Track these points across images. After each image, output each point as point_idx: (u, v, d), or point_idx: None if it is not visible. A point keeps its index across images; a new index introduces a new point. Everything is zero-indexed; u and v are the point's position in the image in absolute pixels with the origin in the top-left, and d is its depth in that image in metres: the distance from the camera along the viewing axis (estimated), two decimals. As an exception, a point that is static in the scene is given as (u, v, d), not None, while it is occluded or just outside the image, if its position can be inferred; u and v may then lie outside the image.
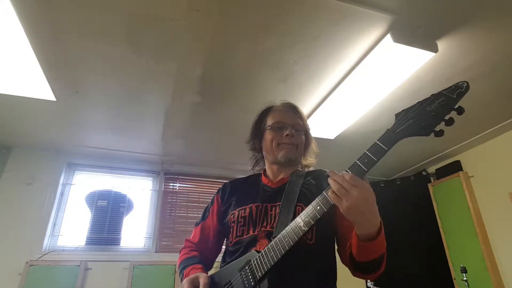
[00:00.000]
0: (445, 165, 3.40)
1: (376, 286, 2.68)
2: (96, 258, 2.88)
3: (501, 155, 2.89)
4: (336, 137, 2.87)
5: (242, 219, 0.99)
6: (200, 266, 0.99)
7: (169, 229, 3.32)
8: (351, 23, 1.69)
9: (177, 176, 3.58)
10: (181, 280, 0.99)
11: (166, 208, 3.39)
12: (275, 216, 0.95)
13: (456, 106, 0.69)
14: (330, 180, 0.75)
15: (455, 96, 0.68)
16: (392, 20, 1.67)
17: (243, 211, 1.01)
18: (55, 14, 1.60)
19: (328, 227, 0.94)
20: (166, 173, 3.53)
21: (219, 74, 2.11)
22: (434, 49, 1.80)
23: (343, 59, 1.96)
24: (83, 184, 3.27)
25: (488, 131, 2.88)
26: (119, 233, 3.17)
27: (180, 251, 1.14)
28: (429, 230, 3.38)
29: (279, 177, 1.08)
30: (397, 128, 0.75)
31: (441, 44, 1.83)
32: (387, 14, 1.63)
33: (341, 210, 0.73)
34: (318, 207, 0.78)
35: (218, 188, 1.21)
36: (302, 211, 0.83)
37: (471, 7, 1.60)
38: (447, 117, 0.70)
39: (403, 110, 0.77)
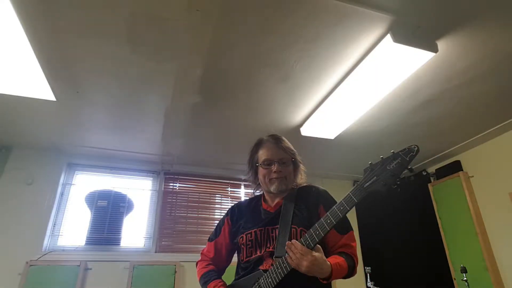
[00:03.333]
0: (445, 165, 3.41)
1: (376, 286, 2.68)
2: (96, 258, 2.88)
3: (501, 155, 2.89)
4: (336, 137, 2.87)
5: (250, 242, 1.20)
6: (222, 282, 1.21)
7: (169, 229, 3.32)
8: (351, 23, 1.69)
9: (177, 176, 3.58)
10: None
11: (166, 208, 3.39)
12: (275, 238, 1.15)
13: (409, 167, 0.87)
14: (287, 250, 1.00)
15: (407, 159, 0.86)
16: (392, 20, 1.67)
17: (249, 235, 1.21)
18: (55, 14, 1.61)
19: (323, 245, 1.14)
20: (166, 173, 3.53)
21: (219, 74, 2.11)
22: (434, 49, 1.80)
23: (343, 59, 1.96)
24: (83, 184, 3.27)
25: (488, 131, 2.88)
26: (119, 233, 3.17)
27: (197, 263, 1.35)
28: (429, 230, 3.38)
29: (275, 201, 1.28)
30: (364, 184, 0.94)
31: (441, 44, 1.83)
32: (387, 14, 1.64)
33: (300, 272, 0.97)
34: (308, 241, 0.99)
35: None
36: (296, 232, 1.11)
37: (471, 7, 1.61)
38: (402, 175, 0.89)
39: (370, 164, 0.95)
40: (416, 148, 0.85)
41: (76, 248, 2.95)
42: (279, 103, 2.44)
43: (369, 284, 2.72)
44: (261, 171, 1.28)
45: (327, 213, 0.98)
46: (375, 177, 0.91)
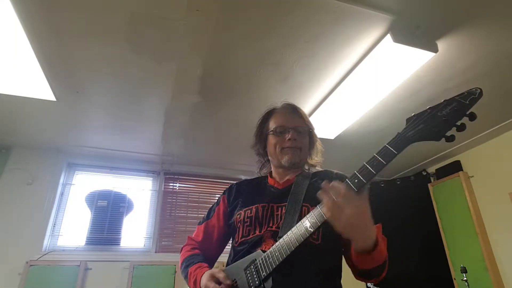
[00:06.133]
0: (445, 165, 3.41)
1: (376, 287, 2.68)
2: (96, 258, 2.88)
3: (501, 155, 2.89)
4: (336, 137, 2.87)
5: (248, 219, 1.00)
6: (206, 265, 0.99)
7: (169, 229, 3.32)
8: (351, 23, 1.69)
9: (177, 176, 3.58)
10: (185, 277, 1.01)
11: (166, 208, 3.39)
12: (281, 216, 0.95)
13: (468, 112, 0.68)
14: (323, 195, 0.74)
15: (467, 102, 0.67)
16: (392, 20, 1.67)
17: (249, 211, 1.01)
18: (55, 14, 1.60)
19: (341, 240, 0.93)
20: (166, 173, 3.53)
21: (219, 74, 2.11)
22: (434, 49, 1.80)
23: (343, 59, 1.96)
24: (83, 184, 3.27)
25: (488, 131, 2.88)
26: (119, 233, 3.17)
27: (182, 248, 1.14)
28: (429, 230, 3.38)
29: (285, 178, 1.09)
30: (407, 132, 0.74)
31: (441, 44, 1.83)
32: (387, 14, 1.63)
33: (335, 228, 0.72)
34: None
35: (224, 188, 1.21)
36: (308, 211, 0.84)
37: (471, 7, 1.60)
38: (459, 123, 0.69)
39: (414, 114, 0.76)
40: (478, 91, 0.67)
41: (76, 248, 2.95)
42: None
43: (369, 284, 2.72)
44: (272, 140, 1.10)
45: (365, 163, 0.75)
46: (422, 125, 0.73)
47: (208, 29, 1.72)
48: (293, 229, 0.82)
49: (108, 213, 3.16)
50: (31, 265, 2.63)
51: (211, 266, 1.08)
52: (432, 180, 3.59)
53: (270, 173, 1.16)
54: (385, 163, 0.72)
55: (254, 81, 2.18)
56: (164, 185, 3.49)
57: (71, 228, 3.04)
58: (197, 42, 1.81)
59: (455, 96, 0.70)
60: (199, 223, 1.16)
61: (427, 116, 0.73)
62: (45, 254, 2.76)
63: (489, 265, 2.75)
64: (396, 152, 0.73)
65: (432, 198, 3.44)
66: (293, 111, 1.13)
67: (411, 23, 1.69)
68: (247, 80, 2.17)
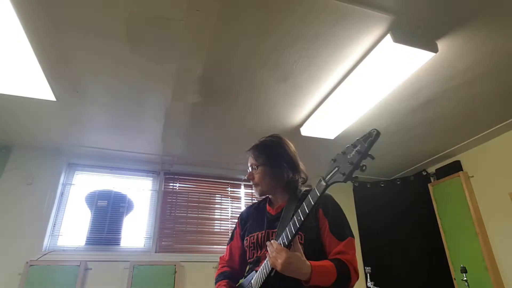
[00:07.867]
0: (445, 165, 3.41)
1: (376, 286, 2.68)
2: (96, 258, 2.88)
3: (501, 155, 2.89)
4: (336, 137, 2.87)
5: (252, 244, 1.25)
6: (226, 285, 1.28)
7: (169, 229, 3.32)
8: (351, 23, 1.70)
9: (177, 176, 3.58)
10: None
11: (166, 208, 3.39)
12: None
13: (369, 153, 0.77)
14: (268, 247, 1.02)
15: (366, 145, 0.76)
16: (392, 20, 1.67)
17: (252, 237, 1.26)
18: (55, 14, 1.61)
19: (314, 236, 1.14)
20: (166, 173, 3.53)
21: (219, 74, 2.11)
22: (434, 49, 1.80)
23: (343, 59, 1.96)
24: (83, 184, 3.27)
25: (488, 131, 2.88)
26: (119, 233, 3.17)
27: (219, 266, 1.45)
28: (429, 230, 3.38)
29: (278, 204, 1.28)
30: (326, 176, 0.88)
31: (441, 44, 1.83)
32: (387, 14, 1.64)
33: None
34: (283, 240, 1.00)
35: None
36: None
37: (471, 7, 1.61)
38: (362, 164, 0.79)
39: (337, 155, 0.87)
40: (375, 132, 0.75)
41: (76, 248, 2.95)
42: (279, 103, 2.44)
43: (369, 284, 2.72)
44: None
45: (298, 210, 0.97)
46: (336, 168, 0.85)
47: (208, 29, 1.72)
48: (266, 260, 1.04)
49: (108, 213, 3.16)
50: (31, 265, 2.63)
51: (241, 274, 1.37)
52: (432, 180, 3.59)
53: (270, 199, 1.35)
54: (313, 203, 0.91)
55: (254, 81, 2.18)
56: (164, 185, 3.49)
57: (71, 228, 3.04)
58: (197, 42, 1.81)
59: (360, 138, 0.79)
60: (227, 243, 1.44)
61: (340, 158, 0.85)
62: (45, 254, 2.76)
63: (489, 265, 2.76)
64: (318, 194, 0.90)
65: (432, 198, 3.44)
66: (249, 151, 1.33)
67: (411, 23, 1.69)
68: (247, 80, 2.17)
